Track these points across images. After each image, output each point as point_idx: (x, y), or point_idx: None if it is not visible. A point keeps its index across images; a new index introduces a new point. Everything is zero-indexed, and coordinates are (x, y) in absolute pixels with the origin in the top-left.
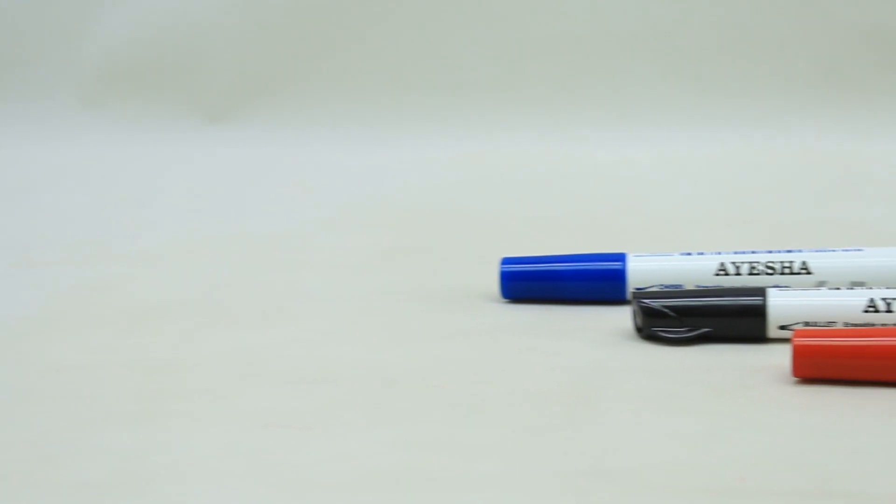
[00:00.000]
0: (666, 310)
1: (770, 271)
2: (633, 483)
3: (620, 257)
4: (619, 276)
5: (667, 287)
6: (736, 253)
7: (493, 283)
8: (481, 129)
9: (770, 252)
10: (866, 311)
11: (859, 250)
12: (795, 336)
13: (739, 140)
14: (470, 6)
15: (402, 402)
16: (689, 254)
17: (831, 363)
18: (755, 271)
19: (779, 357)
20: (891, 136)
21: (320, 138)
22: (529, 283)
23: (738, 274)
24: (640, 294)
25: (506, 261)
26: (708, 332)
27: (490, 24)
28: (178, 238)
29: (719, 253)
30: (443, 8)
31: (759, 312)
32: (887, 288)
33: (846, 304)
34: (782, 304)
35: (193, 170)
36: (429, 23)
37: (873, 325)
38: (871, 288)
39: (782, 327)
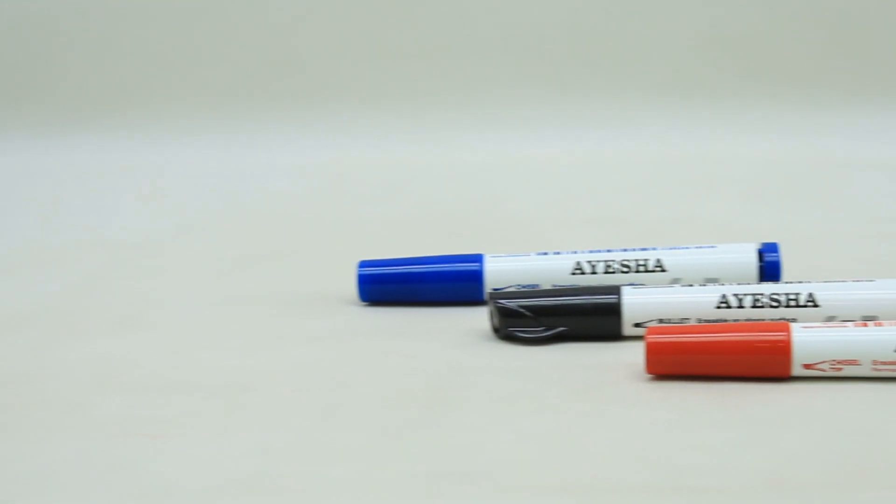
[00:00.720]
0: (522, 310)
1: (625, 270)
2: (488, 483)
3: (478, 258)
4: (476, 277)
5: (524, 287)
6: (592, 252)
7: (352, 287)
8: (339, 132)
9: (625, 251)
10: (719, 307)
11: (712, 247)
12: (648, 333)
13: (596, 141)
14: (327, 10)
15: (259, 407)
16: (545, 253)
17: (683, 359)
18: (611, 270)
19: (633, 354)
20: (741, 136)
21: (174, 144)
22: (387, 285)
23: (594, 273)
24: (497, 294)
25: (363, 264)
26: (564, 330)
27: (347, 28)
28: (31, 247)
29: (575, 252)
30: (299, 12)
31: (613, 311)
32: (739, 284)
33: (699, 301)
34: (636, 302)
35: (45, 177)
36: (279, 27)
37: (725, 320)
38: (723, 284)
39: (637, 325)
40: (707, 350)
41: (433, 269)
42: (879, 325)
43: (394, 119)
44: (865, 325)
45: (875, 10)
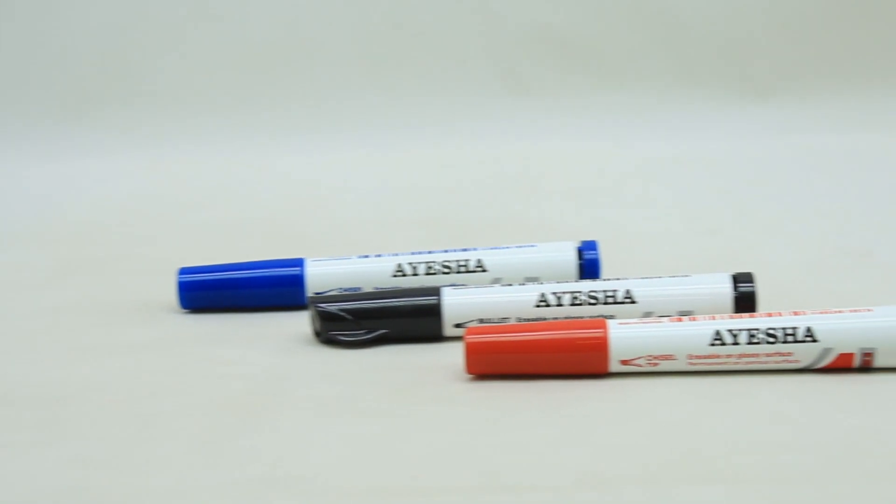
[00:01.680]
0: (342, 313)
1: (447, 270)
2: (308, 487)
3: (299, 262)
4: (297, 282)
5: (345, 290)
6: (413, 254)
7: (173, 294)
8: (158, 137)
9: (446, 252)
10: (538, 306)
11: (532, 246)
12: (467, 334)
13: (419, 142)
14: (148, 15)
15: (76, 419)
16: (366, 256)
17: (502, 359)
18: (432, 271)
19: (454, 355)
20: (563, 135)
21: None
22: (208, 292)
23: (415, 274)
24: (317, 298)
25: (183, 271)
26: (385, 333)
27: (166, 33)
28: None
29: (397, 255)
30: (121, 18)
31: (434, 312)
32: (558, 282)
33: (518, 300)
34: (457, 302)
35: None
36: (101, 29)
37: (545, 319)
38: (543, 283)
39: (457, 325)
40: (525, 349)
41: (254, 275)
42: (694, 319)
43: (213, 124)
44: (681, 321)
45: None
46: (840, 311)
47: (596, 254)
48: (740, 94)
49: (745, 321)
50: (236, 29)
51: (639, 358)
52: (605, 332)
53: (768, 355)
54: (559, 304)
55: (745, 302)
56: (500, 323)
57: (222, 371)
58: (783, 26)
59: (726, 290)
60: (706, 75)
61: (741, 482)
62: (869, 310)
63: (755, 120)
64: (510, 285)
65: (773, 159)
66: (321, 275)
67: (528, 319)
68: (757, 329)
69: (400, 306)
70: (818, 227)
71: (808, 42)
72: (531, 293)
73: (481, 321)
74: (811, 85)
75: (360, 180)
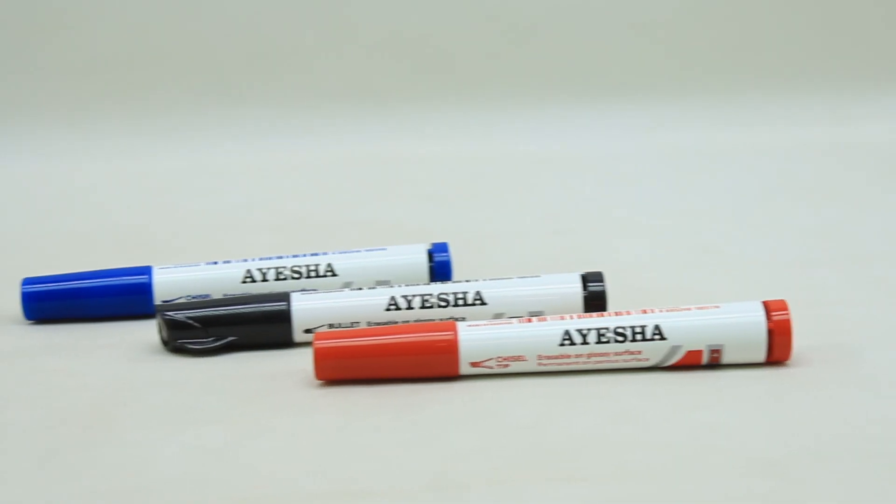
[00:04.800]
0: (190, 321)
1: (297, 276)
2: (151, 500)
3: (146, 270)
4: (145, 290)
5: (194, 298)
6: (262, 259)
7: (17, 305)
8: (3, 149)
9: (296, 256)
10: (388, 310)
11: (383, 249)
12: (315, 339)
13: (273, 147)
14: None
15: None
16: (215, 263)
17: (351, 363)
18: (282, 276)
19: (305, 361)
20: (414, 137)
21: None
22: (53, 302)
23: (265, 280)
24: (165, 306)
25: (27, 281)
26: (234, 340)
27: (77, 38)
28: None
29: (246, 260)
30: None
31: (283, 318)
32: (409, 285)
33: (368, 304)
34: (306, 308)
35: None
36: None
37: (395, 322)
38: (394, 286)
39: (307, 331)
40: (374, 353)
41: (100, 284)
42: (543, 320)
43: (57, 131)
44: (530, 321)
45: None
46: (688, 309)
47: (447, 256)
48: (592, 93)
49: (594, 321)
50: (83, 35)
51: (489, 360)
52: (455, 335)
53: (618, 354)
54: (409, 308)
55: (595, 301)
56: (351, 328)
57: (68, 383)
58: (643, 27)
59: (576, 290)
60: (558, 75)
61: (589, 482)
62: (717, 307)
63: (609, 119)
64: (360, 289)
65: (624, 159)
66: (169, 282)
67: (379, 323)
68: (606, 328)
69: (248, 313)
70: (671, 226)
71: (666, 41)
72: (381, 297)
73: (331, 326)
74: (665, 84)
75: (210, 186)
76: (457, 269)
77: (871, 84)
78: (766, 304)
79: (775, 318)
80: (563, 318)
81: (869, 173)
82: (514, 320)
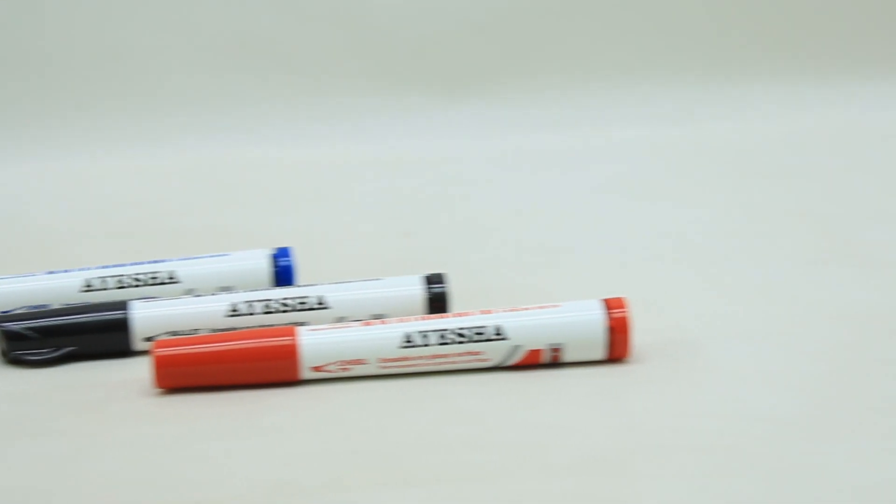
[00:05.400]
0: (27, 331)
1: (138, 283)
2: None
3: None
4: None
5: (32, 308)
6: (103, 268)
7: None
8: None
9: (137, 264)
10: (230, 316)
11: (225, 255)
12: (154, 347)
13: (118, 154)
14: None
15: None
16: (53, 272)
17: (191, 371)
18: (123, 285)
19: (145, 370)
20: (262, 142)
21: None
22: None
23: (105, 289)
24: (1, 317)
25: None
26: (73, 350)
27: None
28: None
29: (86, 269)
30: None
31: (122, 326)
32: (251, 291)
33: (208, 311)
34: (145, 315)
35: None
36: None
37: (237, 328)
38: (236, 292)
39: (148, 339)
40: (214, 359)
41: None
42: (384, 322)
43: None
44: (371, 324)
45: None
46: (528, 309)
47: (290, 260)
48: (434, 94)
49: (435, 322)
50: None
51: (330, 364)
52: (295, 339)
53: (459, 355)
54: (251, 313)
55: (437, 303)
56: (192, 335)
57: None
58: (478, 26)
59: (418, 292)
60: (397, 76)
61: (429, 483)
62: (557, 306)
63: (450, 121)
64: (200, 296)
65: (467, 160)
66: (6, 293)
67: (220, 330)
68: (447, 329)
69: (87, 322)
70: (514, 226)
71: (501, 41)
72: (222, 303)
73: (173, 334)
74: (505, 85)
75: (48, 193)
76: (302, 274)
77: (715, 81)
78: (605, 302)
79: (614, 315)
80: (404, 321)
81: (707, 170)
82: (355, 324)
